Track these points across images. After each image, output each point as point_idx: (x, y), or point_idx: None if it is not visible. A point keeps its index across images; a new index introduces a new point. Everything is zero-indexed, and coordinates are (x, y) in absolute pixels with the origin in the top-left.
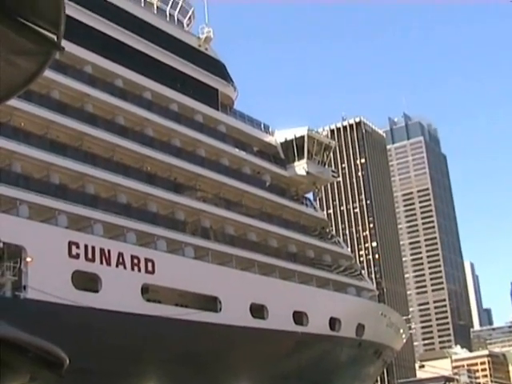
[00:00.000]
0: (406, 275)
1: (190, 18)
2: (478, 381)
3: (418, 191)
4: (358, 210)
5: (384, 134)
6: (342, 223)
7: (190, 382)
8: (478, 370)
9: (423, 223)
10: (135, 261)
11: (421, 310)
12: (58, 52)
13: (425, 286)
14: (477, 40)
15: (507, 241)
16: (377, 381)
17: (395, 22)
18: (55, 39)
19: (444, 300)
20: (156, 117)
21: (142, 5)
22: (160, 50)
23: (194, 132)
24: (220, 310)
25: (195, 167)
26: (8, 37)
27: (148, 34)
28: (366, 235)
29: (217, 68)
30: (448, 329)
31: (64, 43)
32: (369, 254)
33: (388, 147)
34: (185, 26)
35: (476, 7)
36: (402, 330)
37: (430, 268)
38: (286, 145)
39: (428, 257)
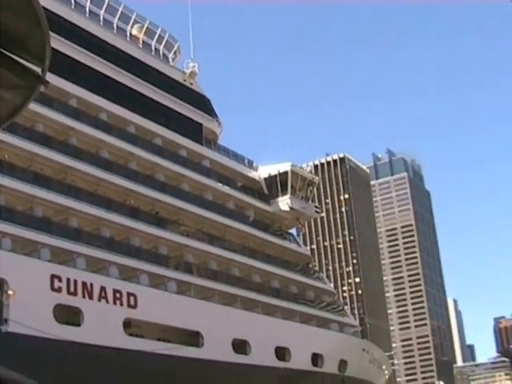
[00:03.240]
0: (389, 311)
1: (175, 52)
2: None
3: (402, 227)
4: (341, 245)
5: (368, 170)
6: (325, 259)
7: None
8: None
9: (406, 259)
10: (117, 295)
11: (404, 346)
12: (42, 86)
13: (408, 322)
14: (464, 77)
15: (490, 277)
16: None
17: (379, 56)
18: (40, 73)
19: (427, 336)
20: (140, 151)
21: (128, 39)
22: (145, 85)
23: (177, 166)
24: (202, 345)
25: (179, 202)
26: None
27: (133, 68)
28: (350, 271)
29: (201, 103)
30: (431, 365)
31: (49, 76)
32: (352, 290)
33: (372, 183)
34: (170, 60)
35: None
36: (384, 366)
37: (413, 304)
38: (270, 180)
39: (411, 293)
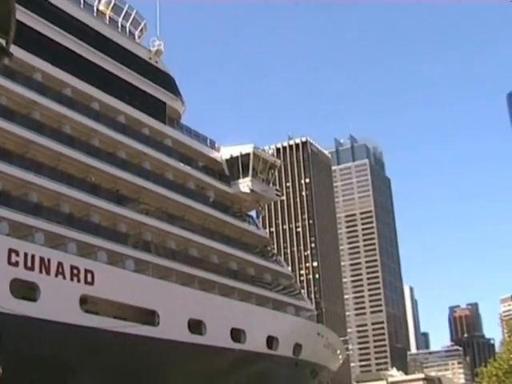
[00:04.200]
0: (346, 296)
1: (141, 30)
2: None
3: (361, 213)
4: (300, 229)
5: (329, 155)
6: (283, 242)
7: None
8: None
9: (365, 245)
10: (75, 271)
11: (359, 332)
12: (6, 58)
13: (364, 308)
14: (426, 68)
15: (446, 266)
16: None
17: (345, 44)
18: (4, 45)
19: (382, 322)
20: (103, 128)
21: (95, 14)
22: (110, 61)
23: (140, 145)
24: (158, 324)
25: (139, 180)
26: None
27: (99, 44)
28: (308, 255)
29: (166, 81)
30: (385, 351)
31: (14, 49)
32: (309, 274)
33: (333, 168)
34: (136, 37)
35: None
36: (339, 351)
37: (369, 290)
38: (232, 162)
39: (368, 279)
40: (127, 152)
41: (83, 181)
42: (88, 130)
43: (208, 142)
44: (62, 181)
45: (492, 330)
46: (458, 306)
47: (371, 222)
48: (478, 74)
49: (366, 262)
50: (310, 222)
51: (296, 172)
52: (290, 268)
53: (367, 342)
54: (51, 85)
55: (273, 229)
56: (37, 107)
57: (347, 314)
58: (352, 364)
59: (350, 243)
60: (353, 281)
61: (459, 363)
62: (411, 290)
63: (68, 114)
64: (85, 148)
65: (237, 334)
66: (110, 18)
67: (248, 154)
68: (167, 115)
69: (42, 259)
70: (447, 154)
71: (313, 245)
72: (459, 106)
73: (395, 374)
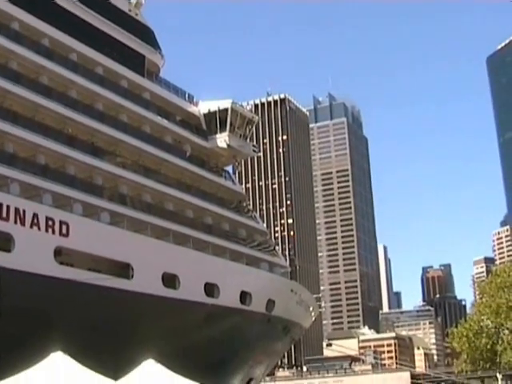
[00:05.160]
0: (320, 254)
1: None
2: (383, 362)
3: (337, 171)
4: (276, 186)
5: (307, 113)
6: (259, 198)
7: (98, 348)
8: (384, 352)
9: (340, 204)
10: (50, 222)
11: (332, 290)
12: None
13: (337, 266)
14: (407, 30)
15: (420, 227)
16: (284, 357)
17: (328, 5)
18: None
19: (355, 281)
20: (81, 79)
21: None
22: (89, 12)
23: (117, 97)
24: (132, 276)
25: (116, 132)
26: None
27: None
28: (283, 212)
29: (145, 34)
30: (357, 309)
31: None
32: (284, 231)
33: (311, 126)
34: None
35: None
36: (311, 308)
37: (343, 248)
38: (209, 116)
39: (342, 237)
40: (104, 104)
41: (60, 132)
42: (65, 81)
43: (186, 96)
44: (39, 132)
45: (464, 292)
46: (431, 267)
47: (347, 181)
48: (460, 37)
49: (341, 220)
50: (286, 179)
51: (273, 129)
52: (265, 224)
53: (340, 300)
54: (29, 34)
55: (249, 185)
56: (14, 57)
57: (321, 271)
58: (324, 321)
59: (325, 201)
60: (327, 239)
61: (430, 323)
62: (385, 249)
63: (46, 65)
64: (62, 99)
65: (210, 289)
66: None
67: (226, 109)
68: (146, 68)
69: (17, 210)
70: (426, 115)
71: (288, 202)
72: (439, 68)
73: (367, 332)
